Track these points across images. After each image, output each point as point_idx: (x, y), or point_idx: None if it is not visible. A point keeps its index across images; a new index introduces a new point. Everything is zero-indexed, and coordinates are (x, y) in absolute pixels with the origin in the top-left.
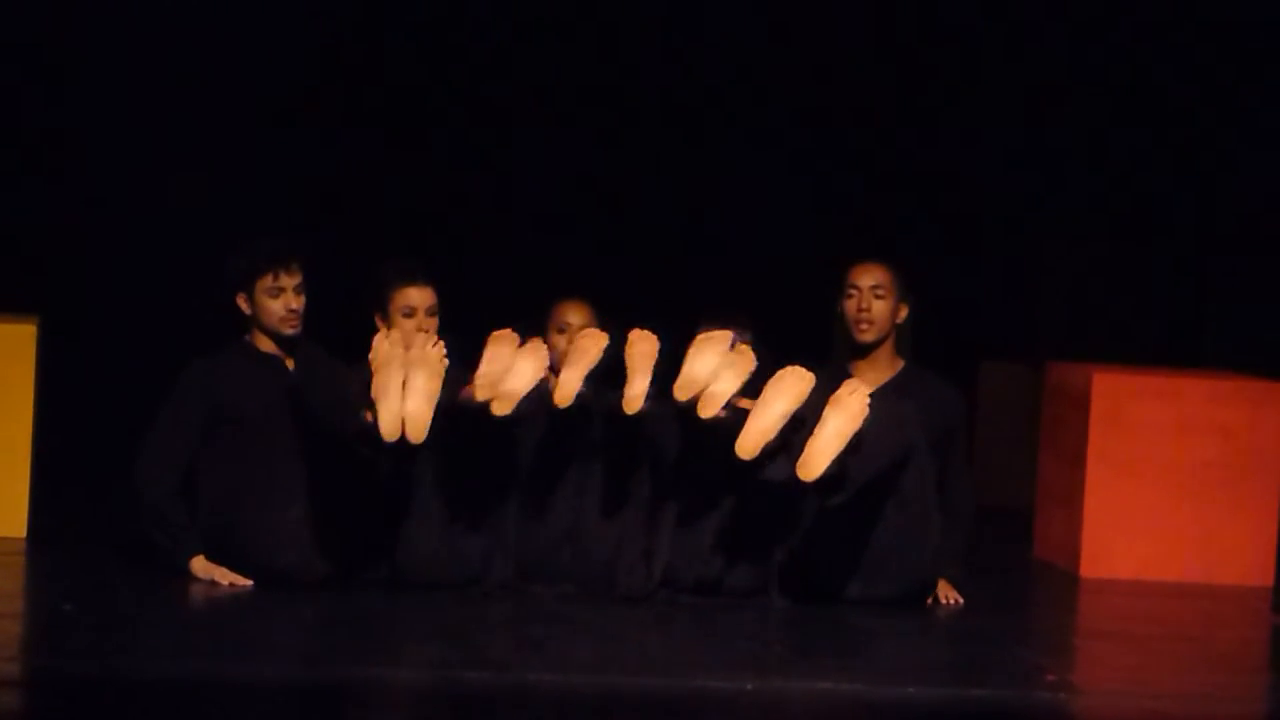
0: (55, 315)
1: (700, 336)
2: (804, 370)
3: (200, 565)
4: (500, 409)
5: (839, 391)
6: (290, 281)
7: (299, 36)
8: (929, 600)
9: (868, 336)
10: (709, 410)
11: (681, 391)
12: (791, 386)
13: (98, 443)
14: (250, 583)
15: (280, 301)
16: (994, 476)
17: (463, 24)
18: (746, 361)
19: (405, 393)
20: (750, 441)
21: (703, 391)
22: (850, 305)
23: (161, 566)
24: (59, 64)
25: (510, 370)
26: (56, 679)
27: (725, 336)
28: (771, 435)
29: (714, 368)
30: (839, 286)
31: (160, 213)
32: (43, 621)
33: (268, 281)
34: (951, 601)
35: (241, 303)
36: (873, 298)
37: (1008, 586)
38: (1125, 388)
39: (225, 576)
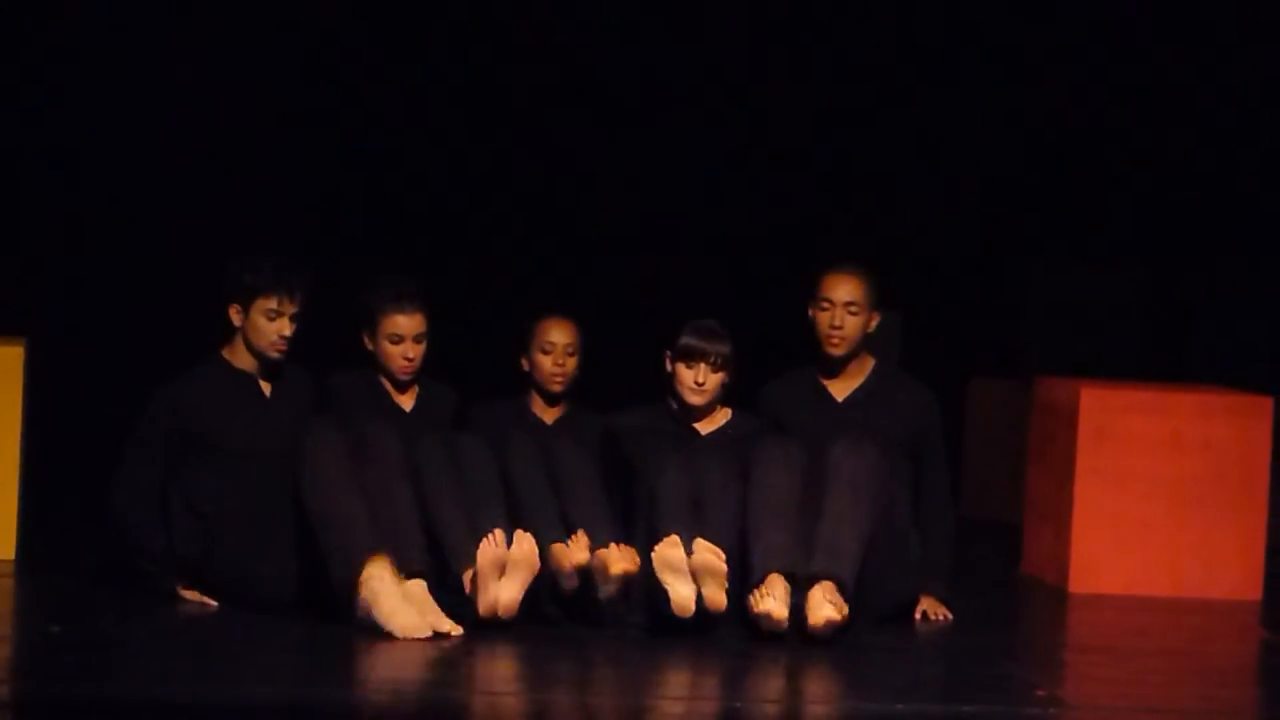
0: (43, 336)
1: (657, 556)
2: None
3: (185, 589)
4: (505, 614)
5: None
6: (289, 309)
7: (287, 53)
8: (917, 617)
9: (838, 351)
10: (719, 607)
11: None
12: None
13: (86, 464)
14: (227, 605)
15: (274, 326)
16: (982, 491)
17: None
18: (714, 562)
19: (502, 582)
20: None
21: (703, 603)
22: (823, 319)
23: (148, 590)
24: (46, 82)
25: (500, 581)
26: (45, 701)
27: (675, 544)
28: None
29: (693, 582)
30: (812, 293)
31: (149, 234)
32: (31, 644)
33: (269, 303)
34: (939, 617)
35: (233, 314)
36: (846, 314)
37: (996, 602)
38: (1113, 403)
39: (209, 600)
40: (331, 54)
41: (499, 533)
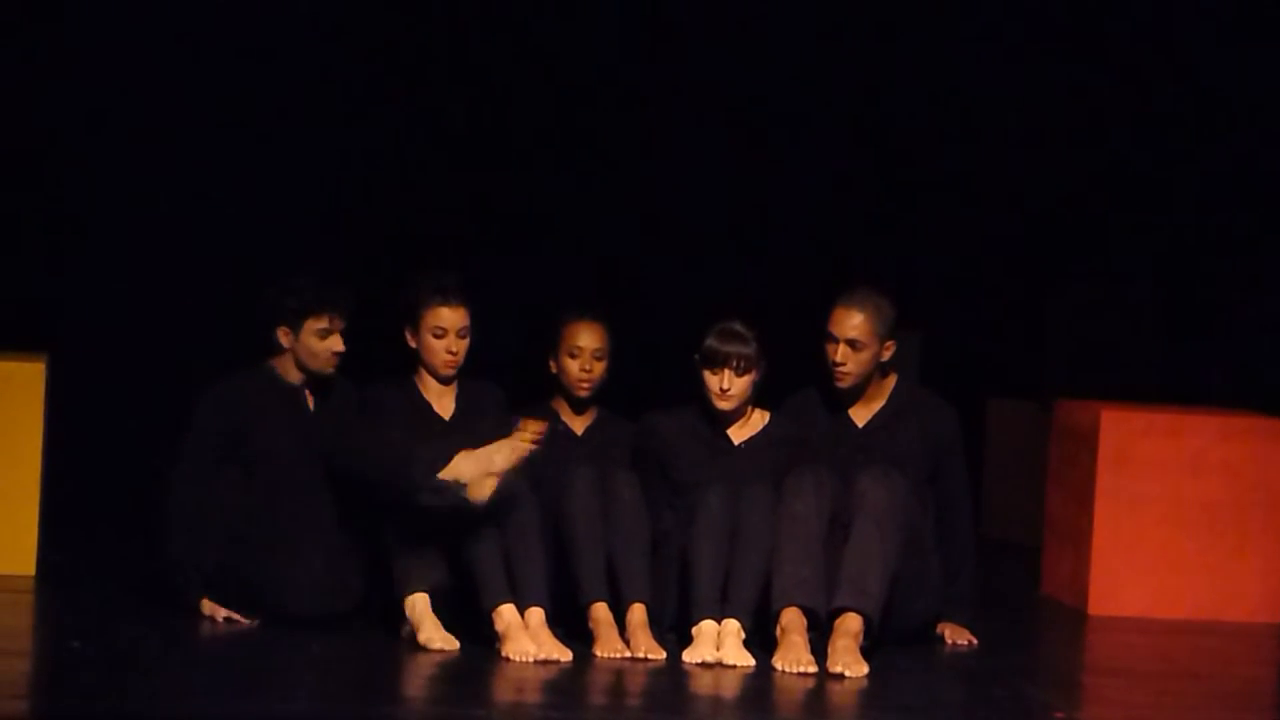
0: (63, 353)
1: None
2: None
3: (206, 604)
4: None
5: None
6: (339, 325)
7: (305, 59)
8: (948, 643)
9: (843, 384)
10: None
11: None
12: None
13: (106, 480)
14: (254, 622)
15: (327, 344)
16: (1002, 514)
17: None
18: (743, 664)
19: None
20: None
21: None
22: (828, 352)
23: (171, 603)
24: (62, 99)
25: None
26: (65, 717)
27: (705, 648)
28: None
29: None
30: (826, 318)
31: (169, 249)
32: (51, 659)
33: (321, 323)
34: (964, 644)
35: (282, 336)
36: (849, 350)
37: (1016, 624)
38: (1133, 425)
39: (230, 615)
40: (352, 56)
41: (535, 612)
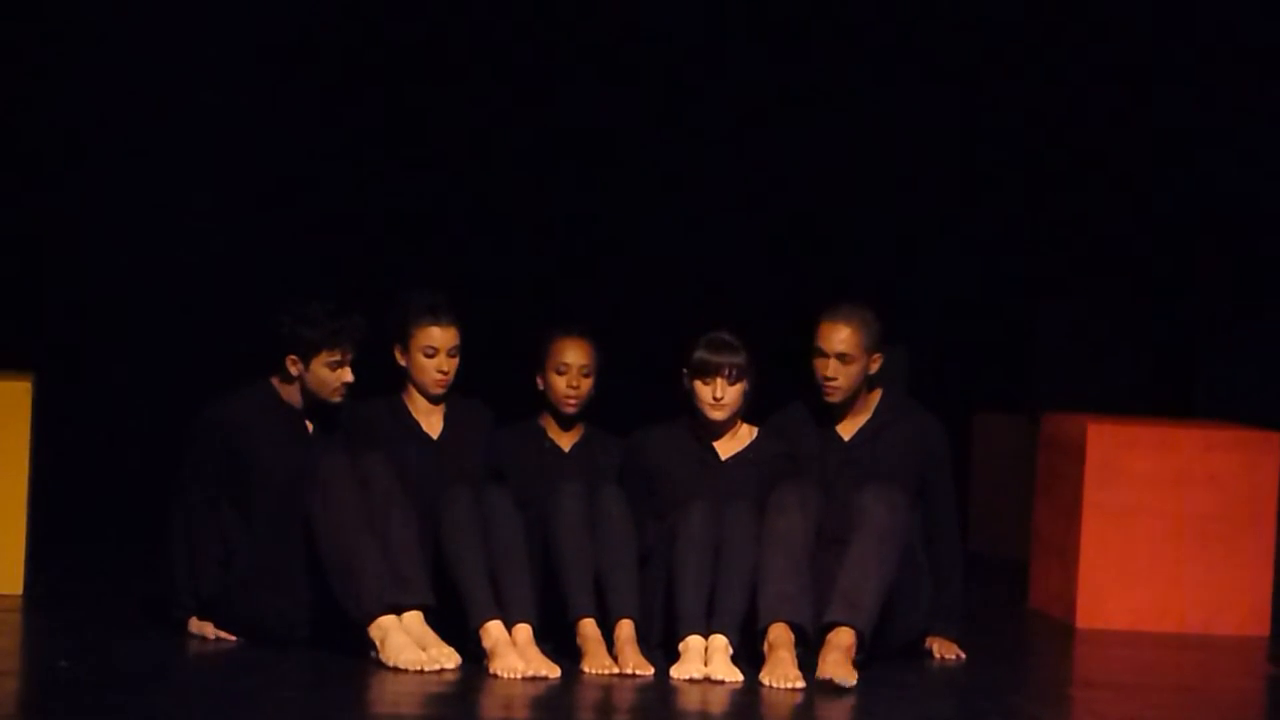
0: (51, 372)
1: (675, 674)
2: None
3: (194, 622)
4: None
5: None
6: (350, 356)
7: (289, 73)
8: (937, 657)
9: (833, 399)
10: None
11: None
12: None
13: (94, 499)
14: (241, 640)
15: (337, 375)
16: (989, 527)
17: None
18: (732, 680)
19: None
20: None
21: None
22: (818, 367)
23: (157, 622)
24: (53, 116)
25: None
26: None
27: (692, 666)
28: None
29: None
30: (812, 334)
31: (157, 267)
32: (39, 679)
33: (333, 356)
34: (952, 657)
35: (290, 365)
36: (839, 364)
37: (1004, 638)
38: (1120, 438)
39: (218, 633)
40: (342, 58)
41: (522, 628)
